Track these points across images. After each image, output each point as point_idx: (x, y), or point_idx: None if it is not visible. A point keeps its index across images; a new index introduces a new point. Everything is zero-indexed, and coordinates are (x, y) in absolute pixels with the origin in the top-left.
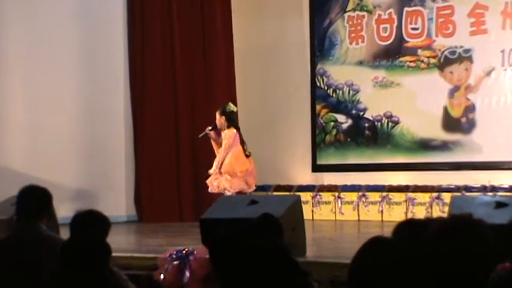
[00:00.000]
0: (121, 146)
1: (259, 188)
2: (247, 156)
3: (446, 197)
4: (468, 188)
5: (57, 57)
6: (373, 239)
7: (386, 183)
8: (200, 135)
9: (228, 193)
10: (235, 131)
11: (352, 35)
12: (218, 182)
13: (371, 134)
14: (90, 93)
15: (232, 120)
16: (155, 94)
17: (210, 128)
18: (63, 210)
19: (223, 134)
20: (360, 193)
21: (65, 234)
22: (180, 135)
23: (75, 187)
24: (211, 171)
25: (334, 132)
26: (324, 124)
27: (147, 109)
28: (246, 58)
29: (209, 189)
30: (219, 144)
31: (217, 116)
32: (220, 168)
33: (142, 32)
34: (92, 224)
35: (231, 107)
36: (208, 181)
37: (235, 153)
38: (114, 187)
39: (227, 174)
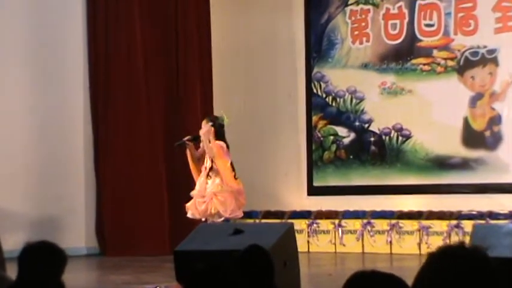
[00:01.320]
0: (80, 164)
1: (245, 215)
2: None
3: (467, 225)
4: (493, 215)
5: (3, 61)
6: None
7: (395, 209)
8: (176, 144)
9: (218, 219)
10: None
11: (355, 32)
12: (207, 204)
13: (377, 150)
14: (43, 103)
15: (221, 135)
16: (120, 103)
17: (191, 137)
18: (11, 242)
19: (207, 147)
20: (365, 220)
21: (12, 271)
22: (152, 150)
23: (25, 213)
24: (194, 192)
25: (333, 148)
26: (321, 138)
27: (111, 120)
28: (228, 60)
29: (189, 214)
30: (197, 161)
31: (205, 125)
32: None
33: (104, 30)
34: (44, 258)
35: (224, 119)
36: (189, 205)
37: (229, 168)
38: (72, 213)
39: (220, 195)
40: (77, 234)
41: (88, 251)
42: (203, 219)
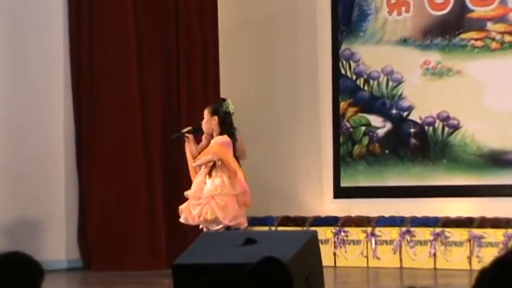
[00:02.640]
0: (59, 161)
1: (258, 221)
2: None
3: None
4: None
5: None
6: None
7: (440, 215)
8: (173, 136)
9: (215, 227)
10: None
11: (393, 1)
12: (202, 208)
13: (419, 143)
14: (17, 93)
15: (227, 125)
16: (108, 92)
17: (191, 128)
18: None
19: (213, 141)
20: (403, 229)
21: None
22: (146, 145)
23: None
24: (189, 192)
25: (365, 141)
26: (351, 129)
27: (97, 111)
28: (237, 35)
29: (182, 219)
30: (197, 155)
31: (206, 115)
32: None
33: (89, 4)
34: (17, 272)
35: (228, 105)
36: (183, 207)
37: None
38: (50, 220)
39: (219, 198)
40: (55, 245)
41: (69, 264)
42: (200, 227)
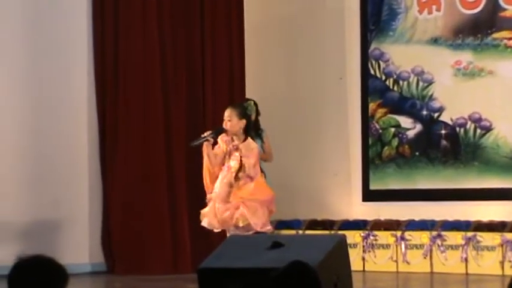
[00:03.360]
0: (83, 162)
1: (285, 225)
2: None
3: None
4: None
5: None
6: None
7: (472, 219)
8: (194, 143)
9: (244, 233)
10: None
11: None
12: (232, 213)
13: (450, 145)
14: (41, 98)
15: (255, 129)
16: (132, 90)
17: (212, 132)
18: (0, 256)
19: (241, 145)
20: (434, 233)
21: None
22: (171, 146)
23: (16, 222)
24: (212, 195)
25: (395, 142)
26: (380, 131)
27: (121, 110)
28: (264, 35)
29: (204, 223)
30: (216, 160)
31: (232, 117)
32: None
33: (114, 11)
34: (40, 276)
35: (252, 108)
36: (207, 211)
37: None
38: (73, 222)
39: (250, 204)
40: (79, 248)
41: (93, 267)
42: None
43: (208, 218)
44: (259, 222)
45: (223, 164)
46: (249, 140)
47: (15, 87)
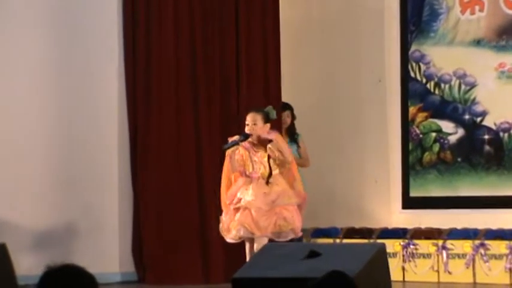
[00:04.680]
0: (113, 167)
1: (323, 233)
2: None
3: None
4: None
5: (26, 60)
6: None
7: None
8: (226, 146)
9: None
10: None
11: None
12: (274, 219)
13: (493, 151)
14: (72, 104)
15: (290, 134)
16: (162, 100)
17: (242, 137)
18: (26, 265)
19: (277, 145)
20: (477, 242)
21: None
22: (202, 153)
23: (44, 229)
24: (242, 203)
25: (436, 148)
26: (421, 136)
27: (152, 113)
28: (300, 36)
29: (240, 233)
30: (236, 165)
31: (258, 121)
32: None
33: (146, 14)
34: (70, 285)
35: (274, 113)
36: (242, 218)
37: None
38: (103, 230)
39: (289, 208)
40: (109, 256)
41: (123, 277)
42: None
43: (246, 227)
44: (300, 227)
45: (242, 171)
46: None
47: (46, 92)
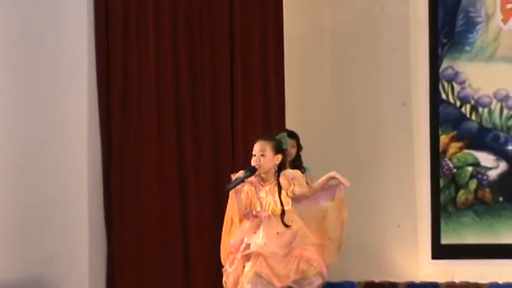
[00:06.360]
0: (82, 206)
1: (336, 287)
2: None
3: None
4: None
5: None
6: None
7: None
8: (230, 186)
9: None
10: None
11: (509, 6)
12: (296, 263)
13: None
14: (26, 116)
15: (296, 168)
16: (144, 127)
17: (247, 173)
18: None
19: (286, 173)
20: None
21: None
22: (186, 195)
23: (3, 284)
24: (252, 249)
25: (473, 185)
26: (454, 170)
27: (129, 141)
28: (308, 48)
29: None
30: (242, 206)
31: (266, 151)
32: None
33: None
34: None
35: (287, 141)
36: (261, 267)
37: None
38: (71, 283)
39: (311, 249)
40: None
41: None
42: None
43: (263, 277)
44: (325, 267)
45: (248, 213)
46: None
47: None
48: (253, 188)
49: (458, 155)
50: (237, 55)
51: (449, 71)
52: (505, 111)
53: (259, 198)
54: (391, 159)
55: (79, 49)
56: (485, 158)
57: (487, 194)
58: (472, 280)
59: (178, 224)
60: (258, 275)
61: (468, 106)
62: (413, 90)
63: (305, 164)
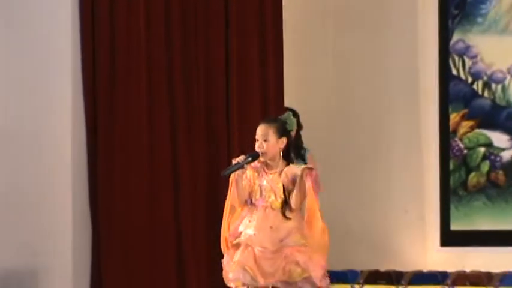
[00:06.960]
0: (66, 200)
1: (337, 277)
2: None
3: None
4: None
5: None
6: None
7: None
8: (226, 172)
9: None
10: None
11: None
12: (285, 263)
13: None
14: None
15: (296, 148)
16: (131, 113)
17: (246, 158)
18: None
19: (290, 170)
20: None
21: None
22: (186, 178)
23: None
24: (241, 239)
25: (485, 167)
26: (465, 151)
27: (116, 136)
28: (309, 32)
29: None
30: (244, 193)
31: (269, 135)
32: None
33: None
34: None
35: (292, 122)
36: (241, 258)
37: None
38: (53, 281)
39: (305, 249)
40: None
41: None
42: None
43: (247, 270)
44: (320, 274)
45: (248, 199)
46: (283, 166)
47: None
48: (256, 174)
49: (470, 134)
50: (232, 40)
51: (460, 45)
52: None
53: (260, 186)
54: (397, 140)
55: (64, 37)
56: (499, 138)
57: (500, 176)
58: (483, 269)
59: (170, 214)
60: (242, 267)
61: (480, 82)
62: (421, 65)
63: (306, 144)
